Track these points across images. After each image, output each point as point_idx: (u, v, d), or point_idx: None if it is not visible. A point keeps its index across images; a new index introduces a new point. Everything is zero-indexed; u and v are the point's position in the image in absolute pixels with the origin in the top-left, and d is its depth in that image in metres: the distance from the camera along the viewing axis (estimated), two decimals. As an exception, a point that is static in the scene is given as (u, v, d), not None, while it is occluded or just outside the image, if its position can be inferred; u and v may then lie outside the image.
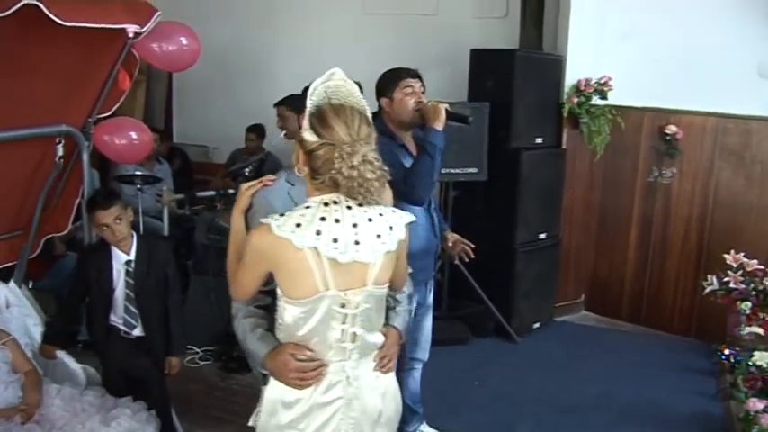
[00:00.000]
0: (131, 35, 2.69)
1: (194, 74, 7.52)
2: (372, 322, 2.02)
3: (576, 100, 5.36)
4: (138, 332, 3.25)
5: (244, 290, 2.01)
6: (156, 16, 2.78)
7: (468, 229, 5.19)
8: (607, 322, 5.72)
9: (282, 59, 6.93)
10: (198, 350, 4.65)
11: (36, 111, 2.92)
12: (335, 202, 1.88)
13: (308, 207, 1.89)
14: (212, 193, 5.52)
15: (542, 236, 5.35)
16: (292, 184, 2.20)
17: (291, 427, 1.99)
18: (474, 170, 5.01)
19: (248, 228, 2.10)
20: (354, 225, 1.87)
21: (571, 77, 5.45)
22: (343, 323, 1.95)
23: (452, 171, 4.95)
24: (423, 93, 3.12)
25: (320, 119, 1.88)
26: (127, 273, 3.20)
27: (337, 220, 1.86)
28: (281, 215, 1.88)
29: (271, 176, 2.21)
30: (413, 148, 3.14)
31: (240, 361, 4.32)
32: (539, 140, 5.26)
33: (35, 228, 3.26)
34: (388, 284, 2.02)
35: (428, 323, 3.64)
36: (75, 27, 2.43)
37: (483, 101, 5.03)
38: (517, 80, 5.03)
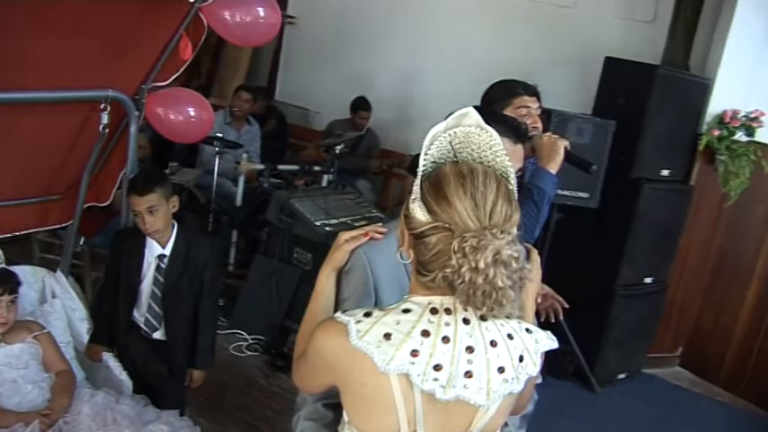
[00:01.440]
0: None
1: (306, 32, 7.24)
2: None
3: (717, 133, 4.65)
4: (158, 335, 2.90)
5: (303, 384, 1.53)
6: (227, -22, 2.35)
7: (566, 259, 4.71)
8: (702, 386, 5.05)
9: (399, 30, 6.47)
10: (247, 337, 4.31)
11: (80, 72, 2.57)
12: (448, 311, 1.32)
13: (406, 310, 1.33)
14: (295, 167, 5.16)
15: (648, 280, 4.72)
16: None
17: None
18: (584, 195, 4.41)
19: (337, 290, 1.62)
20: (470, 349, 1.30)
21: (716, 106, 4.73)
22: None
23: (560, 192, 4.34)
24: (540, 116, 2.54)
25: (436, 186, 1.33)
26: (157, 268, 2.84)
27: (446, 339, 1.29)
28: (367, 314, 1.32)
29: (381, 227, 1.64)
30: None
31: (289, 359, 3.95)
32: (665, 173, 4.60)
33: (82, 198, 2.93)
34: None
35: None
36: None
37: (610, 118, 4.40)
38: (653, 100, 4.37)
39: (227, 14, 2.53)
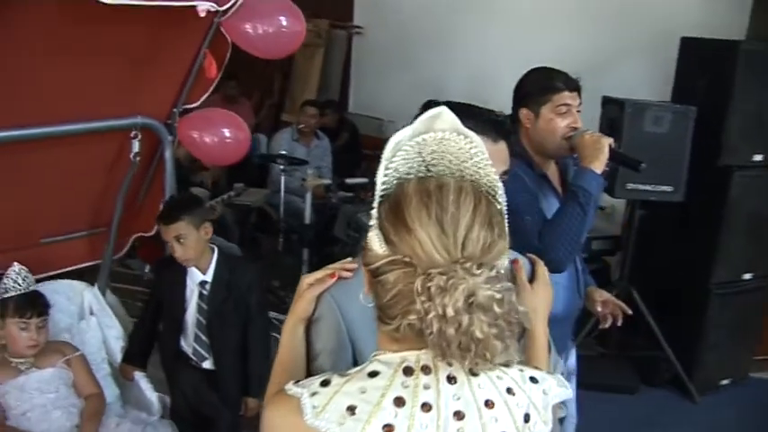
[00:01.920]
0: (203, 14, 2.16)
1: (374, 41, 7.15)
2: None
3: (815, 110, 4.21)
4: (208, 365, 2.80)
5: None
6: (243, -12, 2.24)
7: (653, 259, 4.42)
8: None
9: (466, 31, 6.25)
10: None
11: (106, 100, 2.53)
12: (426, 370, 1.05)
13: (373, 373, 1.06)
14: (363, 180, 5.05)
15: (747, 276, 4.30)
16: None
17: None
18: (668, 188, 4.06)
19: (308, 344, 1.35)
20: (459, 415, 1.03)
21: (813, 82, 4.27)
22: None
23: (641, 187, 4.03)
24: (579, 112, 2.29)
25: (395, 209, 1.05)
26: (200, 295, 2.73)
27: (427, 406, 1.02)
28: (325, 383, 1.06)
29: (349, 263, 1.36)
30: (557, 182, 2.38)
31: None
32: (757, 158, 4.17)
33: (115, 227, 2.89)
34: None
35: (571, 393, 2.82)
36: (121, 5, 1.94)
37: (690, 103, 4.05)
38: (738, 80, 3.98)
39: (248, 27, 2.43)
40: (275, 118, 7.20)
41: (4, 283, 2.57)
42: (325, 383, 1.06)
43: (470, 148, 1.08)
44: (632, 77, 4.81)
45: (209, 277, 2.74)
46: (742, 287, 4.29)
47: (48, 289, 2.87)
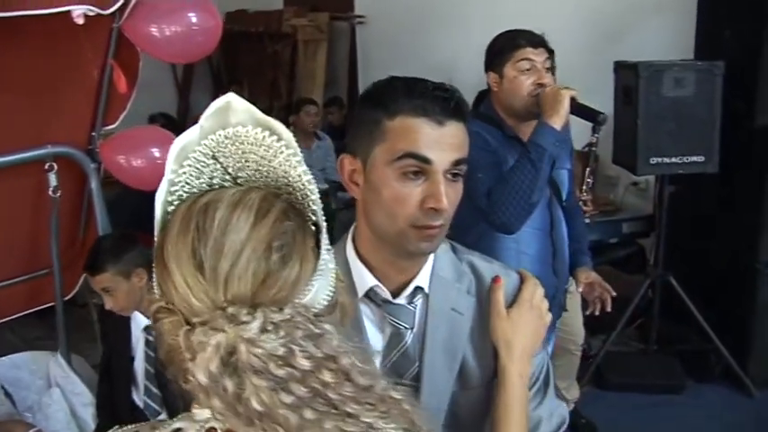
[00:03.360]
0: (80, 20, 1.81)
1: (379, 29, 6.78)
2: None
3: None
4: (163, 419, 2.47)
5: None
6: (133, -14, 1.89)
7: (691, 238, 3.95)
8: None
9: (474, 8, 5.87)
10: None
11: (14, 134, 2.24)
12: None
13: (176, 430, 0.84)
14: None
15: (800, 250, 3.79)
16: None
17: None
18: (699, 158, 3.57)
19: None
20: None
21: None
22: None
23: (667, 161, 3.56)
24: (549, 70, 2.20)
25: (160, 241, 0.81)
26: (147, 342, 2.41)
27: None
28: None
29: None
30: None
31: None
32: (799, 114, 3.67)
33: (58, 269, 2.59)
34: None
35: None
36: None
37: (716, 59, 3.56)
38: (769, 28, 3.49)
39: (153, 29, 2.08)
40: (285, 121, 6.90)
41: None
42: None
43: (276, 142, 0.81)
44: (653, 39, 4.38)
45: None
46: (796, 263, 3.77)
47: (7, 364, 2.62)
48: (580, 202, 3.09)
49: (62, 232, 2.54)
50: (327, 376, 0.73)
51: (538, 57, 2.18)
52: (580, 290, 2.58)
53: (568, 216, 2.45)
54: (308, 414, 0.72)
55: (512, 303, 1.25)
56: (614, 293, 2.56)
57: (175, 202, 0.83)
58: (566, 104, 2.09)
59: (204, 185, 0.84)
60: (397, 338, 1.24)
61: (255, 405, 0.71)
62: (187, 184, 0.83)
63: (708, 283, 3.80)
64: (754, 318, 3.75)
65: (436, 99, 1.15)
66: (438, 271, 1.26)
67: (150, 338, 2.41)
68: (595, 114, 2.18)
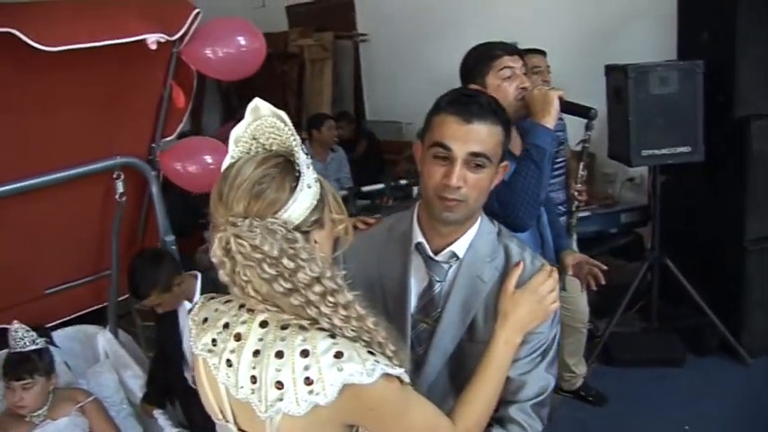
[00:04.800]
0: (154, 46, 2.15)
1: (381, 46, 7.08)
2: None
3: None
4: None
5: None
6: (193, 15, 2.23)
7: (683, 223, 4.25)
8: None
9: (469, 21, 6.12)
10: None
11: (84, 147, 2.56)
12: (251, 311, 1.28)
13: (229, 301, 1.34)
14: (380, 186, 4.99)
15: (783, 228, 4.10)
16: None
17: None
18: (686, 149, 3.89)
19: None
20: (256, 354, 1.23)
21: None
22: None
23: (657, 152, 3.89)
24: (526, 74, 2.28)
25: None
26: None
27: (238, 337, 1.26)
28: (213, 297, 1.37)
29: (370, 218, 1.77)
30: (518, 148, 2.30)
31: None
32: (774, 104, 3.99)
33: (115, 269, 2.90)
34: None
35: None
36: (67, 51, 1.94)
37: (696, 58, 3.89)
38: (742, 26, 3.79)
39: (208, 52, 2.42)
40: (296, 137, 7.20)
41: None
42: (210, 298, 1.38)
43: (284, 126, 1.23)
44: (638, 42, 4.67)
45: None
46: (779, 240, 4.09)
47: (60, 336, 2.91)
48: (575, 193, 3.38)
49: (123, 235, 2.86)
50: (291, 264, 1.16)
51: (515, 63, 2.23)
52: (570, 273, 2.63)
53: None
54: (277, 287, 1.17)
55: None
56: (605, 267, 2.62)
57: None
58: (555, 104, 2.17)
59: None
60: (430, 287, 1.61)
61: (242, 277, 1.18)
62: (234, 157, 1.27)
63: (701, 264, 4.10)
64: (744, 292, 4.06)
65: (468, 103, 1.54)
66: (475, 245, 1.62)
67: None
68: (586, 110, 2.30)
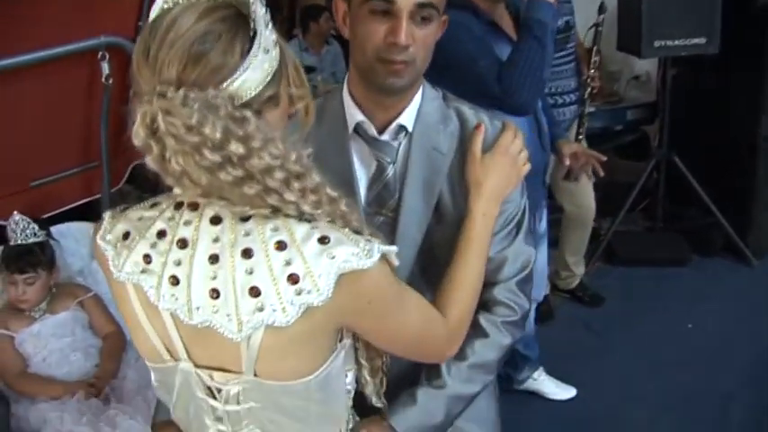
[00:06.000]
0: None
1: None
2: (285, 428, 1.09)
3: None
4: None
5: None
6: None
7: (694, 121, 4.08)
8: None
9: None
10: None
11: (69, 25, 2.38)
12: (194, 207, 1.00)
13: (155, 204, 1.05)
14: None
15: (798, 125, 3.97)
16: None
17: None
18: (700, 40, 3.70)
19: None
20: (214, 259, 0.96)
21: None
22: (218, 421, 1.09)
23: (670, 43, 3.70)
24: None
25: None
26: None
27: (182, 242, 0.98)
28: (126, 208, 1.08)
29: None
30: (510, 28, 2.18)
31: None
32: (799, -7, 3.79)
33: (105, 157, 2.75)
34: (310, 377, 1.04)
35: (542, 257, 2.69)
36: None
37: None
38: None
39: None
40: (288, 33, 6.92)
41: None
42: (126, 208, 1.08)
43: None
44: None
45: None
46: (793, 137, 3.96)
47: (54, 233, 2.79)
48: (588, 79, 3.25)
49: (112, 123, 2.69)
50: (241, 149, 0.90)
51: None
52: (567, 162, 2.54)
53: None
54: (224, 176, 0.90)
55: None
56: (603, 158, 2.55)
57: None
58: None
59: None
60: (380, 172, 1.38)
61: (175, 165, 0.91)
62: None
63: (709, 162, 3.97)
64: (753, 191, 3.96)
65: None
66: (423, 113, 1.38)
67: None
68: None
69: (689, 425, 2.85)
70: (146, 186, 2.76)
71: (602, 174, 2.54)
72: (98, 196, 2.93)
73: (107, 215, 1.08)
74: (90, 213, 2.95)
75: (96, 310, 2.60)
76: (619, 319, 3.54)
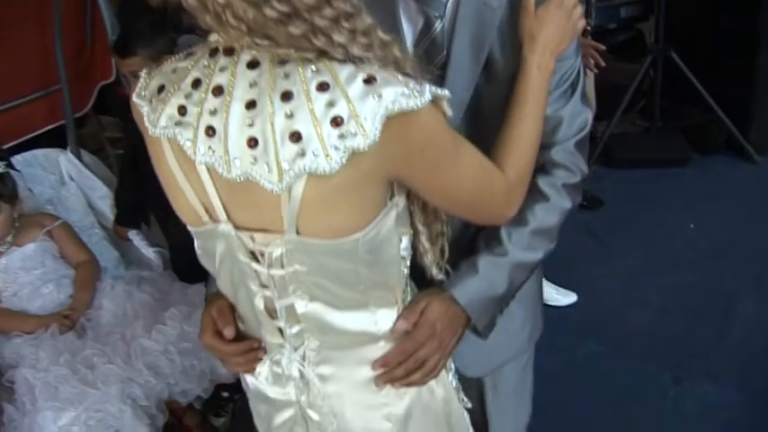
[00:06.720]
0: None
1: None
2: (335, 294, 1.04)
3: None
4: None
5: None
6: None
7: (691, 14, 3.91)
8: None
9: None
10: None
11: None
12: (229, 51, 0.92)
13: (190, 54, 0.98)
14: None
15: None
16: None
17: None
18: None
19: None
20: (251, 105, 0.89)
21: None
22: (264, 288, 1.04)
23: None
24: None
25: None
26: None
27: (218, 90, 0.90)
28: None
29: None
30: None
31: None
32: None
33: (65, 81, 2.58)
34: (357, 235, 0.97)
35: None
36: None
37: None
38: None
39: None
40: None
41: None
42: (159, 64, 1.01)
43: None
44: None
45: None
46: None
47: (19, 161, 2.67)
48: None
49: (67, 41, 2.51)
50: None
51: None
52: None
53: None
54: (269, 12, 0.83)
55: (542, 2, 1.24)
56: (602, 47, 2.50)
57: None
58: None
59: None
60: (428, 27, 1.27)
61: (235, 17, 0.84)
62: None
63: (708, 57, 3.81)
64: (754, 84, 3.81)
65: None
66: None
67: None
68: None
69: (692, 325, 2.78)
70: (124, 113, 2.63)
71: (603, 64, 2.49)
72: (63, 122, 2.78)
73: (143, 72, 1.02)
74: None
75: (66, 239, 2.49)
76: (619, 221, 3.44)
